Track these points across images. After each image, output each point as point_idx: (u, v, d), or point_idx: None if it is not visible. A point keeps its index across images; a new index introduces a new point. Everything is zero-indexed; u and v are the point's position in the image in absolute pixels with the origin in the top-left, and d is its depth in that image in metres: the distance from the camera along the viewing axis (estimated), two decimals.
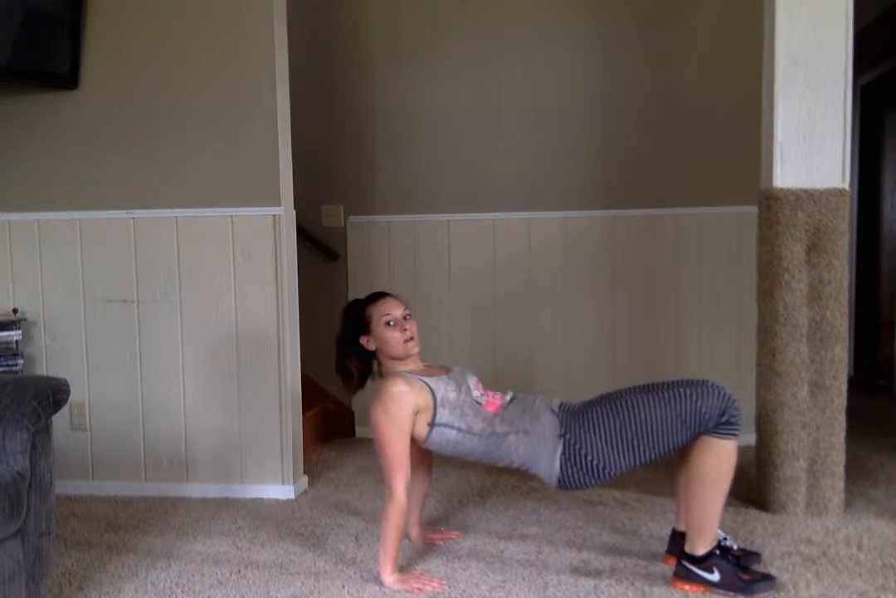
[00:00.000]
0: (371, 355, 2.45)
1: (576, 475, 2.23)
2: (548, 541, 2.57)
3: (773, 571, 2.28)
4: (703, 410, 2.14)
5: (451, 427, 2.28)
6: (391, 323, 2.39)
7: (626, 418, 2.19)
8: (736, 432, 2.18)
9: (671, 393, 2.18)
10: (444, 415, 2.28)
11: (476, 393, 2.35)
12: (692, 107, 3.71)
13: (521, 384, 3.87)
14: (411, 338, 2.40)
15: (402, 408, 2.26)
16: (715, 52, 3.67)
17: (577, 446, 2.21)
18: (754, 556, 2.38)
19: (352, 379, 2.48)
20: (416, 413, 2.28)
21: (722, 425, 2.15)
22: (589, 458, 2.20)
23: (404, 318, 2.41)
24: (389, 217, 3.95)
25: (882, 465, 3.29)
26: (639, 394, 2.24)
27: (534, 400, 2.36)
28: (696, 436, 2.17)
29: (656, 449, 2.18)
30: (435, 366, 2.50)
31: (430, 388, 2.29)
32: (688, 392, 2.16)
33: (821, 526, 2.66)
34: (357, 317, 2.44)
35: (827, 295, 2.71)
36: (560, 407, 2.32)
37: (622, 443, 2.19)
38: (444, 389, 2.31)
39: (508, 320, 3.89)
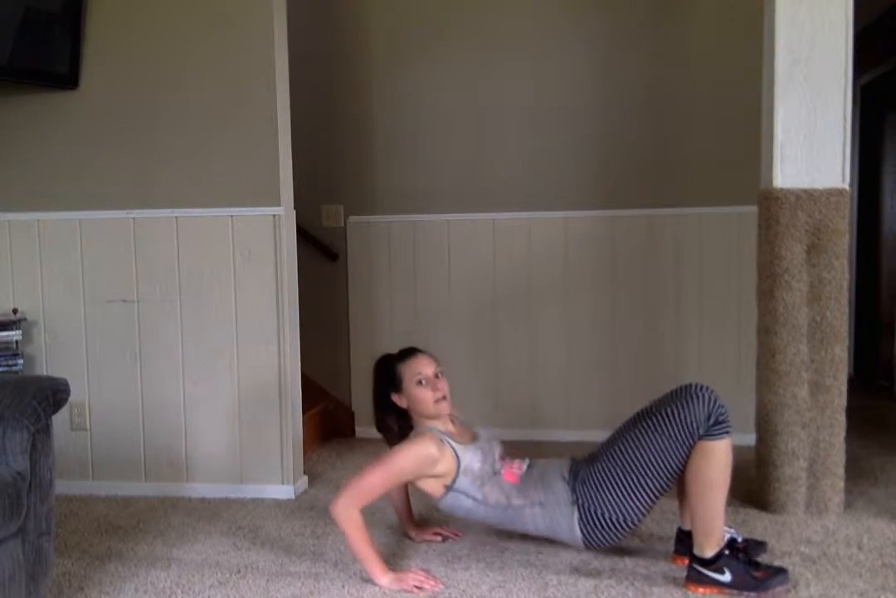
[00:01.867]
0: (405, 412, 2.47)
1: (600, 536, 2.27)
2: (548, 541, 2.57)
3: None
4: (690, 421, 2.17)
5: (468, 496, 2.32)
6: (422, 382, 2.40)
7: (626, 464, 2.23)
8: (727, 430, 2.19)
9: (658, 418, 2.22)
10: (463, 483, 2.32)
11: (497, 464, 2.39)
12: (692, 107, 3.71)
13: (522, 385, 3.89)
14: (443, 397, 2.40)
15: (418, 463, 2.29)
16: (715, 52, 3.67)
17: (592, 509, 2.25)
18: (760, 545, 2.40)
19: (393, 436, 2.50)
20: (436, 477, 2.31)
21: (712, 428, 2.17)
22: (607, 516, 2.24)
23: (436, 376, 2.42)
24: (389, 217, 3.95)
25: (882, 465, 3.29)
26: (631, 432, 2.28)
27: (546, 468, 2.39)
28: (693, 446, 2.19)
29: (664, 478, 2.23)
30: (464, 427, 2.52)
31: (455, 454, 2.32)
32: (672, 410, 2.20)
33: (821, 526, 2.66)
34: (388, 375, 2.46)
35: (827, 295, 2.71)
36: (570, 472, 2.34)
37: (632, 489, 2.23)
38: (471, 459, 2.34)
39: (508, 319, 3.89)
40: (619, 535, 2.27)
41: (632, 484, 2.23)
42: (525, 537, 2.60)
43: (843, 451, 2.75)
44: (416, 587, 2.22)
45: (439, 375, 2.43)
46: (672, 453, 2.19)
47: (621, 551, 2.47)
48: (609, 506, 2.24)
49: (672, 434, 2.18)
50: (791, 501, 2.76)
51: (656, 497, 2.25)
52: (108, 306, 3.13)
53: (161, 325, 3.10)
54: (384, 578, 2.24)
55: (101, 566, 2.45)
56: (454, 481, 2.31)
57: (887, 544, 2.50)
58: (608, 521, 2.24)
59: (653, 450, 2.21)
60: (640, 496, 2.23)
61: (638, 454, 2.22)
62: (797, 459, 2.74)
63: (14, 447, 1.90)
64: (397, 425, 2.49)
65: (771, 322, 2.76)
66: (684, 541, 2.32)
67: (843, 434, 2.74)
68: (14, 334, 3.03)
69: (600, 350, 3.83)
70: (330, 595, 2.22)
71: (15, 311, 3.09)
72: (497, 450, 2.44)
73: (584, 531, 2.26)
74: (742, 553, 2.21)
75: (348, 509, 2.25)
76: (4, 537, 1.83)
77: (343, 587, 2.27)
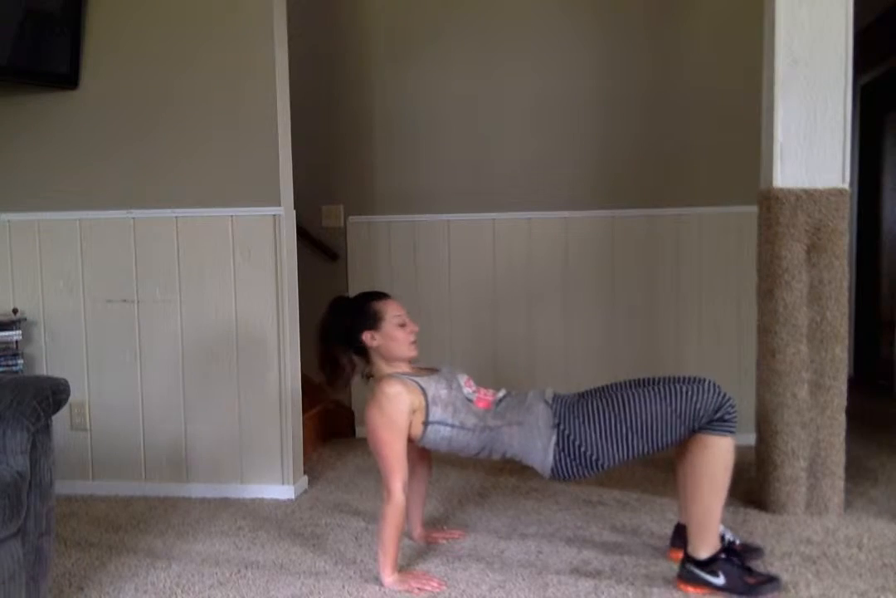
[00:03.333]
0: (365, 353, 2.43)
1: (569, 466, 2.23)
2: (548, 541, 2.57)
3: (772, 571, 2.28)
4: (699, 405, 2.14)
5: (444, 424, 2.30)
6: (402, 323, 2.40)
7: (622, 412, 2.20)
8: (732, 430, 2.18)
9: (667, 389, 2.19)
10: (436, 413, 2.30)
11: (467, 390, 2.37)
12: (692, 107, 3.71)
13: (521, 384, 3.87)
14: (415, 340, 2.41)
15: (399, 409, 2.27)
16: (715, 52, 3.67)
17: (572, 437, 2.22)
18: (756, 551, 2.39)
19: (342, 374, 2.45)
20: (412, 413, 2.29)
21: (716, 422, 2.16)
22: (583, 449, 2.21)
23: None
24: (389, 217, 3.95)
25: (882, 465, 3.29)
26: (635, 388, 2.25)
27: (526, 394, 2.37)
28: (692, 432, 2.17)
29: (651, 444, 2.19)
30: (423, 368, 2.50)
31: (421, 387, 2.31)
32: (684, 389, 2.17)
33: (821, 526, 2.66)
34: (365, 312, 2.41)
35: (827, 295, 2.71)
36: (554, 398, 2.32)
37: (617, 436, 2.19)
38: (435, 387, 2.32)
39: (508, 319, 3.89)
40: (587, 471, 2.23)
41: (619, 432, 2.18)
42: (525, 536, 2.60)
43: (843, 451, 2.75)
44: (418, 588, 2.22)
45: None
46: (669, 424, 2.15)
47: (621, 550, 2.47)
48: (589, 441, 2.20)
49: (677, 408, 2.15)
50: (791, 501, 2.76)
51: (634, 456, 2.21)
52: (108, 306, 3.13)
53: (161, 325, 3.10)
54: (389, 577, 2.25)
55: (101, 566, 2.45)
56: (427, 413, 2.29)
57: (887, 544, 2.50)
58: (583, 454, 2.21)
59: (654, 413, 2.16)
60: (620, 446, 2.19)
61: (637, 409, 2.18)
62: (797, 459, 2.74)
63: (14, 447, 1.90)
64: (353, 364, 2.43)
65: (771, 322, 2.76)
66: (682, 535, 2.30)
67: (843, 434, 2.74)
68: (14, 334, 3.03)
69: (600, 350, 3.83)
70: (330, 595, 2.22)
71: (15, 311, 3.09)
72: (461, 377, 2.41)
73: (557, 457, 2.22)
74: (737, 557, 2.21)
75: (402, 491, 2.23)
76: (4, 537, 1.83)
77: (343, 587, 2.27)
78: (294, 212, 3.15)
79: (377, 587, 2.25)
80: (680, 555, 2.26)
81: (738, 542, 2.38)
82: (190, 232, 3.07)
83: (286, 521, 2.82)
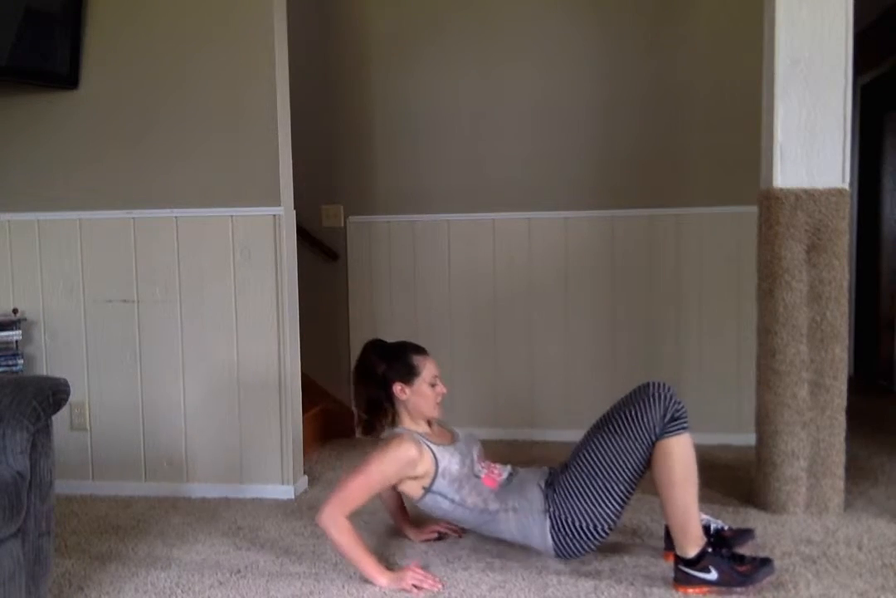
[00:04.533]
0: (390, 402, 2.44)
1: (571, 544, 2.28)
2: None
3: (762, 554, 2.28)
4: (646, 420, 2.19)
5: (445, 498, 2.33)
6: (435, 385, 2.42)
7: (590, 470, 2.25)
8: (684, 426, 2.21)
9: (616, 420, 2.24)
10: (442, 485, 2.32)
11: (477, 467, 2.39)
12: (692, 107, 3.71)
13: (521, 384, 3.89)
14: (441, 402, 2.44)
15: (398, 469, 2.29)
16: (715, 51, 3.67)
17: (563, 517, 2.26)
18: (747, 532, 2.42)
19: (385, 417, 2.45)
20: (414, 478, 2.31)
21: (668, 424, 2.18)
22: (577, 524, 2.25)
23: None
24: (389, 217, 3.95)
25: (882, 465, 3.29)
26: (593, 437, 2.29)
27: (526, 476, 2.39)
28: (652, 444, 2.20)
29: (628, 480, 2.24)
30: (442, 428, 2.52)
31: (434, 457, 2.32)
32: (629, 412, 2.22)
33: (821, 526, 2.66)
34: (403, 363, 2.42)
35: (827, 295, 2.71)
36: (547, 481, 2.35)
37: (598, 495, 2.24)
38: (449, 460, 2.34)
39: (508, 319, 3.89)
40: (590, 544, 2.28)
41: (598, 490, 2.24)
42: None
43: (843, 451, 2.75)
44: (415, 586, 2.22)
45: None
46: (632, 453, 2.21)
47: (621, 551, 2.47)
48: (578, 514, 2.25)
49: (630, 435, 2.20)
50: (791, 501, 2.76)
51: (625, 501, 2.26)
52: (108, 306, 3.13)
53: (161, 325, 3.10)
54: (382, 578, 2.24)
55: (101, 566, 2.45)
56: (432, 482, 2.31)
57: (887, 544, 2.50)
58: (579, 529, 2.25)
59: (614, 453, 2.22)
60: (607, 502, 2.24)
61: (600, 460, 2.23)
62: (797, 459, 2.74)
63: (14, 447, 1.90)
64: (382, 413, 2.44)
65: (771, 322, 2.76)
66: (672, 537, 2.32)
67: (843, 434, 2.74)
68: (14, 334, 3.03)
69: (600, 350, 3.83)
70: (330, 595, 2.22)
71: (15, 311, 3.09)
72: (475, 451, 2.44)
73: (556, 540, 2.27)
74: (725, 548, 2.22)
75: (334, 517, 2.25)
76: (4, 537, 1.83)
77: (343, 587, 2.27)
78: (294, 212, 3.15)
79: (377, 588, 2.25)
80: (674, 556, 2.27)
81: (726, 528, 2.39)
82: (190, 232, 3.07)
83: (286, 521, 2.82)
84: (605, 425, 2.28)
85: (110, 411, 3.15)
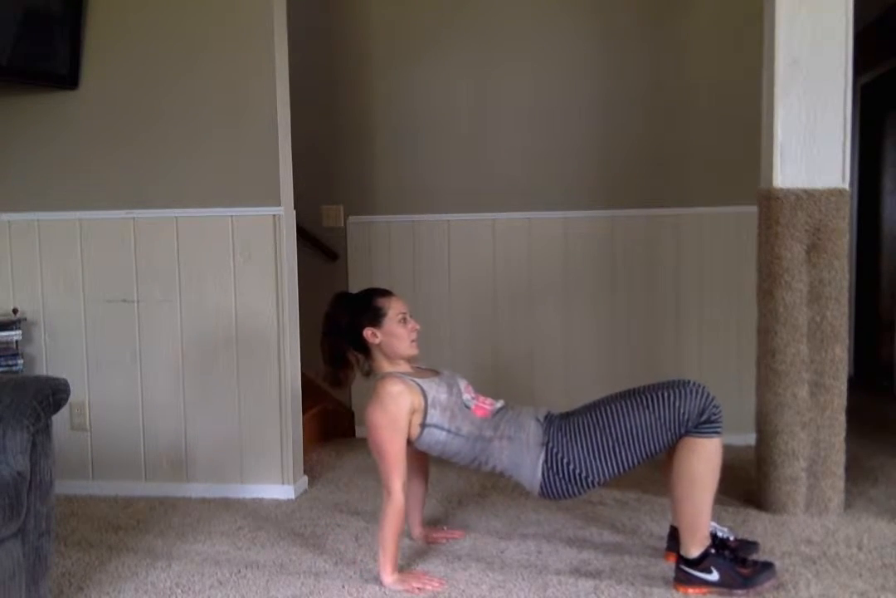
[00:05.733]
0: (366, 349, 2.43)
1: (558, 484, 2.25)
2: (548, 541, 2.57)
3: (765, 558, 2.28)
4: (682, 411, 2.16)
5: (441, 428, 2.30)
6: (405, 320, 2.40)
7: (607, 426, 2.22)
8: (718, 430, 2.19)
9: (650, 397, 2.21)
10: (434, 416, 2.30)
11: (466, 396, 2.37)
12: (692, 107, 3.71)
13: (522, 384, 3.88)
14: (416, 338, 2.41)
15: (400, 408, 2.27)
16: (715, 51, 3.67)
17: (560, 455, 2.24)
18: (752, 545, 2.41)
19: (350, 370, 2.45)
20: (412, 413, 2.29)
21: (703, 424, 2.17)
22: (571, 467, 2.23)
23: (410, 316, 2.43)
24: (389, 217, 3.95)
25: (882, 465, 3.29)
26: (619, 400, 2.27)
27: (521, 409, 2.38)
28: (679, 437, 2.19)
29: (639, 454, 2.21)
30: (424, 368, 2.50)
31: (421, 388, 2.31)
32: (667, 395, 2.19)
33: (821, 526, 2.66)
34: (368, 308, 2.40)
35: (827, 295, 2.71)
36: (546, 417, 2.34)
37: (604, 451, 2.22)
38: (436, 390, 2.32)
39: (508, 319, 3.88)
40: (576, 489, 2.25)
41: (606, 447, 2.21)
42: (525, 536, 2.61)
43: (843, 451, 2.75)
44: (418, 587, 2.22)
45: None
46: (656, 433, 2.18)
47: (621, 550, 2.47)
48: (577, 458, 2.22)
49: (661, 416, 2.17)
50: (791, 501, 2.76)
51: (623, 469, 2.23)
52: (108, 306, 3.13)
53: (161, 325, 3.10)
54: (389, 576, 2.25)
55: (101, 566, 2.45)
56: (425, 415, 2.29)
57: (887, 544, 2.50)
58: (571, 472, 2.23)
59: (638, 424, 2.19)
60: (608, 461, 2.22)
61: (622, 422, 2.21)
62: (797, 459, 2.74)
63: (14, 447, 1.90)
64: (357, 361, 2.43)
65: (771, 322, 2.76)
66: (676, 538, 2.31)
67: (843, 434, 2.74)
68: (14, 334, 3.03)
69: (600, 350, 3.83)
70: (330, 595, 2.22)
71: (15, 311, 3.09)
72: (462, 383, 2.42)
73: (545, 475, 2.24)
74: (728, 551, 2.22)
75: (400, 490, 2.23)
76: (4, 537, 1.84)
77: (343, 587, 2.27)
78: (294, 212, 3.15)
79: (377, 587, 2.25)
80: (676, 557, 2.26)
81: (732, 538, 2.39)
82: (190, 232, 3.07)
83: (286, 521, 2.82)
84: (636, 396, 2.25)
85: (110, 410, 3.15)
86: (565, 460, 2.23)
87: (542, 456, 2.25)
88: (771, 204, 2.74)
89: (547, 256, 3.84)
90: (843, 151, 2.71)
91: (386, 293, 2.46)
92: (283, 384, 3.06)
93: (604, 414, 2.25)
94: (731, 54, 3.61)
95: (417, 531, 2.61)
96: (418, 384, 2.31)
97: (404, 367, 2.42)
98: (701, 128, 3.71)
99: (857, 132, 5.07)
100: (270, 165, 3.00)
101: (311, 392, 3.57)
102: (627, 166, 3.77)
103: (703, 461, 2.18)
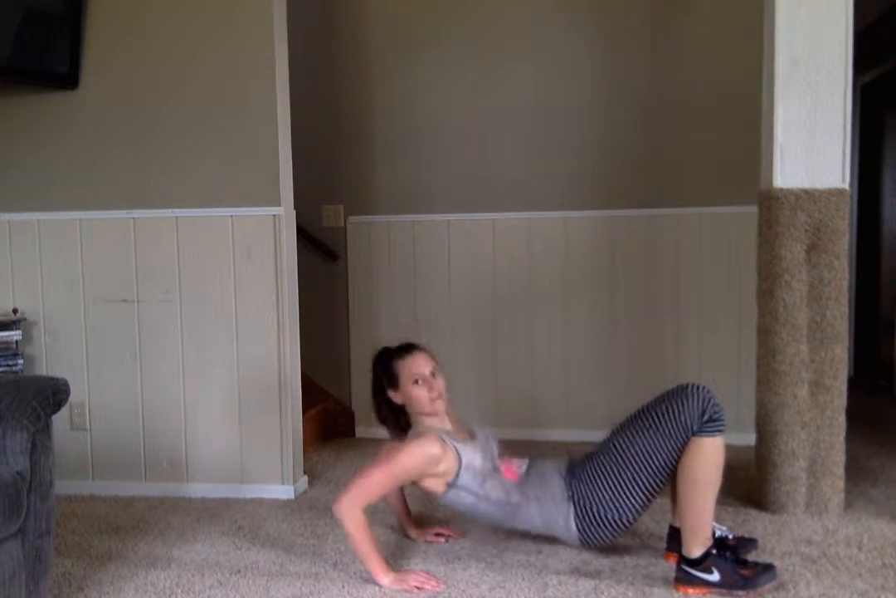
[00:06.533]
0: (402, 407, 2.48)
1: (596, 533, 2.28)
2: (548, 541, 2.57)
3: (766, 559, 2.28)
4: (684, 418, 2.18)
5: (469, 492, 2.33)
6: (419, 382, 2.41)
7: (620, 461, 2.24)
8: (721, 428, 2.20)
9: (652, 417, 2.23)
10: (465, 479, 2.32)
11: (496, 462, 2.39)
12: (692, 107, 3.71)
13: (522, 384, 3.89)
14: (438, 396, 2.42)
15: (422, 463, 2.29)
16: (715, 52, 3.66)
17: (587, 505, 2.26)
18: (751, 542, 2.42)
19: (393, 427, 2.51)
20: (437, 475, 2.31)
21: (705, 424, 2.18)
22: (602, 513, 2.25)
23: (432, 375, 2.43)
24: (389, 217, 3.95)
25: (882, 465, 3.29)
26: (624, 430, 2.29)
27: (544, 467, 2.40)
28: (686, 441, 2.20)
29: (659, 475, 2.23)
30: (459, 422, 2.53)
31: (458, 453, 2.33)
32: (665, 409, 2.21)
33: (821, 526, 2.66)
34: (385, 372, 2.46)
35: (827, 295, 2.71)
36: (567, 469, 2.36)
37: (626, 486, 2.24)
38: (472, 456, 2.35)
39: (508, 319, 3.88)
40: (614, 532, 2.27)
41: (626, 480, 2.23)
42: (525, 536, 2.60)
43: (843, 451, 2.75)
44: (417, 587, 2.22)
45: (435, 373, 2.44)
46: (666, 449, 2.20)
47: (621, 551, 2.47)
48: (604, 502, 2.24)
49: (666, 431, 2.19)
50: (791, 501, 2.76)
51: (651, 495, 2.26)
52: (108, 306, 3.13)
53: (161, 325, 3.10)
54: (385, 578, 2.24)
55: (101, 566, 2.45)
56: (456, 477, 2.31)
57: (887, 544, 2.50)
58: (604, 518, 2.25)
59: (647, 447, 2.21)
60: (634, 493, 2.23)
61: (633, 451, 2.23)
62: (797, 459, 2.74)
63: (14, 447, 1.90)
64: (395, 419, 2.50)
65: (771, 322, 2.76)
66: (676, 538, 2.32)
67: (843, 434, 2.74)
68: (14, 334, 3.03)
69: (600, 350, 3.83)
70: (330, 595, 2.22)
71: (15, 311, 3.09)
72: (495, 446, 2.45)
73: (580, 528, 2.27)
74: (729, 551, 2.22)
75: (352, 509, 2.25)
76: (4, 537, 1.83)
77: (343, 587, 2.27)
78: (294, 212, 3.15)
79: (377, 588, 2.25)
80: (676, 558, 2.26)
81: (731, 536, 2.40)
82: (190, 232, 3.07)
83: (286, 521, 2.82)
84: (639, 419, 2.27)
85: (110, 411, 3.15)
86: (594, 509, 2.25)
87: (572, 510, 2.27)
88: (771, 204, 2.74)
89: (547, 256, 3.84)
90: (843, 151, 2.71)
91: (405, 352, 2.47)
92: (283, 384, 3.06)
93: (616, 449, 2.26)
94: (731, 54, 3.61)
95: (413, 531, 2.61)
96: (455, 448, 2.33)
97: (446, 424, 2.45)
98: (701, 128, 3.70)
99: (857, 132, 5.07)
100: (270, 165, 3.00)
101: (311, 392, 3.58)
102: (627, 166, 3.77)
103: (706, 460, 2.19)
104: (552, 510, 2.29)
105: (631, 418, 2.33)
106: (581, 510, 2.26)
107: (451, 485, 2.32)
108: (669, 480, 2.27)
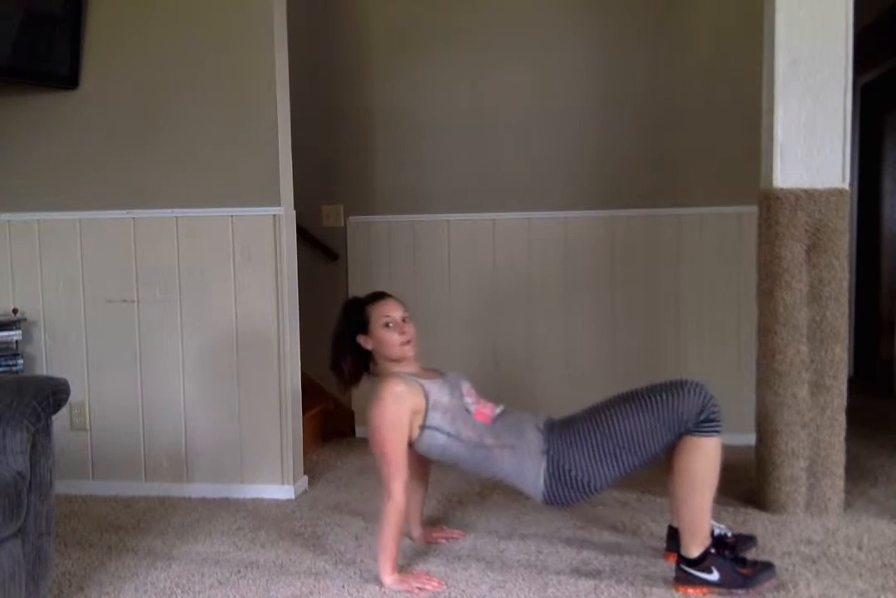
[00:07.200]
0: (367, 355, 2.46)
1: (561, 491, 2.25)
2: (548, 541, 2.57)
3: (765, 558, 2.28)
4: (681, 411, 2.16)
5: (441, 431, 2.30)
6: (390, 325, 2.40)
7: (607, 431, 2.23)
8: (717, 429, 2.20)
9: (649, 399, 2.21)
10: (435, 418, 2.30)
11: (468, 400, 2.37)
12: (692, 107, 3.71)
13: (522, 384, 3.88)
14: (408, 341, 2.41)
15: (402, 408, 2.27)
16: (715, 52, 3.67)
17: (561, 463, 2.24)
18: (750, 540, 2.42)
19: (344, 377, 2.49)
20: (413, 414, 2.29)
21: (702, 423, 2.17)
22: (573, 473, 2.23)
23: (403, 320, 2.42)
24: (389, 217, 3.95)
25: (882, 465, 3.29)
26: (618, 404, 2.27)
27: (521, 416, 2.38)
28: (678, 437, 2.19)
29: (640, 457, 2.22)
30: (430, 369, 2.50)
31: (424, 390, 2.31)
32: (665, 396, 2.19)
33: (821, 526, 2.66)
34: (356, 316, 2.45)
35: (827, 295, 2.71)
36: (545, 424, 2.35)
37: (605, 455, 2.22)
38: (438, 392, 2.33)
39: (508, 319, 3.88)
40: (579, 495, 2.25)
41: (607, 451, 2.21)
42: (525, 536, 2.61)
43: (843, 451, 2.75)
44: (418, 587, 2.22)
45: (406, 319, 2.43)
46: (656, 436, 2.19)
47: (621, 551, 2.47)
48: (578, 464, 2.22)
49: (661, 417, 2.18)
50: (791, 501, 2.76)
51: (624, 472, 2.23)
52: (108, 306, 3.13)
53: (161, 325, 3.10)
54: (389, 577, 2.25)
55: (101, 566, 2.45)
56: (426, 417, 2.29)
57: (887, 544, 2.50)
58: (573, 479, 2.23)
59: (638, 426, 2.20)
60: (610, 465, 2.22)
61: (622, 426, 2.21)
62: (797, 459, 2.74)
63: (14, 447, 1.90)
64: (351, 368, 2.48)
65: (771, 322, 2.76)
66: (676, 538, 2.32)
67: (843, 434, 2.74)
68: (14, 334, 3.03)
69: (600, 350, 3.83)
70: (330, 595, 2.22)
71: (15, 311, 3.09)
72: (464, 386, 2.42)
73: (548, 483, 2.24)
74: (728, 550, 2.22)
75: (395, 489, 2.24)
76: (4, 537, 1.84)
77: (343, 587, 2.27)
78: (294, 212, 3.15)
79: (377, 587, 2.25)
80: (676, 557, 2.26)
81: (730, 534, 2.40)
82: (190, 232, 3.07)
83: (286, 521, 2.82)
84: (635, 399, 2.25)
85: (110, 410, 3.15)
86: (567, 467, 2.23)
87: (544, 464, 2.25)
88: (771, 204, 2.74)
89: (547, 256, 3.84)
90: (843, 151, 2.71)
91: (375, 298, 2.47)
92: (283, 384, 3.06)
93: (603, 419, 2.25)
94: (731, 54, 3.61)
95: (417, 531, 2.61)
96: (421, 385, 2.32)
97: (409, 368, 2.43)
98: (701, 128, 3.71)
99: (857, 132, 5.07)
100: (270, 165, 3.00)
101: (311, 392, 3.57)
102: (627, 166, 3.77)
103: (703, 460, 2.19)
104: (526, 460, 2.26)
105: (626, 396, 2.30)
106: (554, 466, 2.24)
107: (423, 427, 2.30)
108: (646, 466, 2.24)
